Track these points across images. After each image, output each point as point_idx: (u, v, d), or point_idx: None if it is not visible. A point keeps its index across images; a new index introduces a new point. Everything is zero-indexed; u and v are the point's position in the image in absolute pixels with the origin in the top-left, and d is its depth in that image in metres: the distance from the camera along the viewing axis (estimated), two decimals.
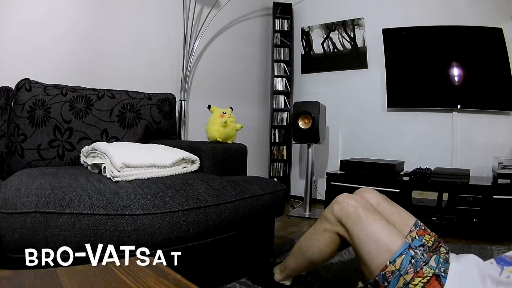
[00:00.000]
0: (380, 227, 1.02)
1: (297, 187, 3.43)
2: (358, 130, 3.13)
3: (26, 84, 1.66)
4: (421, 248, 1.03)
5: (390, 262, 0.94)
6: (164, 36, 2.60)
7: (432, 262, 0.94)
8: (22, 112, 1.62)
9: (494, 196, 2.12)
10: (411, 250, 0.95)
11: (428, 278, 0.90)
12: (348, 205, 1.09)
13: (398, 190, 2.36)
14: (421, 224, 1.16)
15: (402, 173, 2.68)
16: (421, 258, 0.94)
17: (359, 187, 1.30)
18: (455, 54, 2.64)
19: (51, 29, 2.02)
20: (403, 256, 0.94)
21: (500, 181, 2.24)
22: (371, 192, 1.25)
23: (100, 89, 1.90)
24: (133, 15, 2.40)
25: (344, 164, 2.70)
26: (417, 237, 1.10)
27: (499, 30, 2.46)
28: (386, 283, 0.94)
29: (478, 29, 2.53)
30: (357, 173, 2.61)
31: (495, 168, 2.32)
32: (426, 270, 0.91)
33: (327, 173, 2.75)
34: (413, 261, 0.93)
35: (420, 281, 0.90)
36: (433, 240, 1.09)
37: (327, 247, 1.17)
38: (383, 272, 0.94)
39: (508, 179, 2.21)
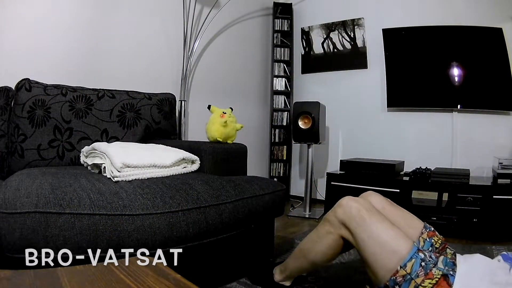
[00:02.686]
0: (384, 228, 1.02)
1: (297, 187, 3.43)
2: (358, 130, 3.13)
3: (26, 84, 1.65)
4: (429, 249, 1.03)
5: (401, 267, 0.94)
6: (164, 36, 2.60)
7: (440, 264, 0.95)
8: (22, 112, 1.62)
9: (494, 196, 2.12)
10: (420, 253, 0.96)
11: (437, 279, 0.91)
12: (352, 207, 1.09)
13: (398, 190, 2.36)
14: (430, 226, 1.16)
15: (402, 173, 2.68)
16: (430, 260, 0.95)
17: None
18: (455, 54, 2.64)
19: (51, 29, 2.02)
20: (413, 260, 0.95)
21: (500, 181, 2.24)
22: (375, 196, 1.25)
23: (100, 89, 1.90)
24: (133, 15, 2.40)
25: (344, 164, 2.70)
26: (428, 239, 1.10)
27: (499, 30, 2.46)
28: (397, 287, 0.95)
29: (478, 29, 2.53)
30: (357, 173, 2.61)
31: (495, 168, 2.32)
32: (435, 272, 0.92)
33: (327, 173, 2.75)
34: (423, 263, 0.94)
35: (429, 283, 0.91)
36: (440, 242, 1.10)
37: (330, 250, 1.17)
38: (394, 277, 0.95)
39: (508, 179, 2.21)
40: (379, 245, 1.00)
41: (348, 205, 1.10)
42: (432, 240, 1.09)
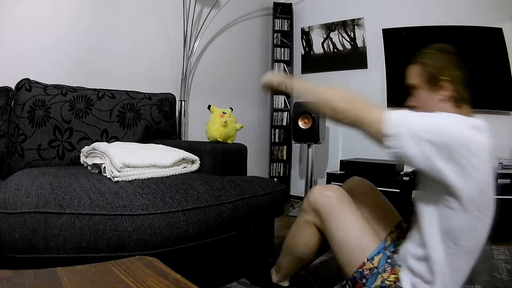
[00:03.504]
0: (353, 222, 1.03)
1: (297, 187, 3.43)
2: None
3: (26, 84, 1.65)
4: (392, 250, 1.04)
5: (368, 260, 0.97)
6: (164, 36, 2.60)
7: (399, 261, 1.00)
8: (22, 112, 1.62)
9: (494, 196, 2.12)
10: (386, 251, 1.00)
11: (398, 274, 0.96)
12: (323, 195, 1.09)
13: (398, 190, 2.36)
14: (404, 225, 1.16)
15: (402, 173, 2.68)
16: (394, 260, 0.99)
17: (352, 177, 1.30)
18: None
19: (51, 29, 2.02)
20: (381, 254, 0.98)
21: (500, 181, 2.24)
22: (360, 181, 1.25)
23: (100, 89, 1.90)
24: (133, 15, 2.40)
25: (344, 164, 2.70)
26: (396, 241, 1.10)
27: (499, 30, 2.46)
28: (364, 280, 0.96)
29: (478, 29, 2.53)
30: (357, 173, 2.59)
31: (495, 168, 2.32)
32: (397, 268, 0.97)
33: (327, 173, 2.75)
34: (389, 260, 0.98)
35: (394, 277, 0.96)
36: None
37: (309, 241, 1.16)
38: (361, 269, 0.97)
39: (508, 179, 2.21)
40: (346, 238, 1.02)
41: (319, 193, 1.10)
42: (397, 243, 1.09)
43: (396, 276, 0.95)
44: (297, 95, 1.28)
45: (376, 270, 0.95)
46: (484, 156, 0.82)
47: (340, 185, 1.24)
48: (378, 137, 0.88)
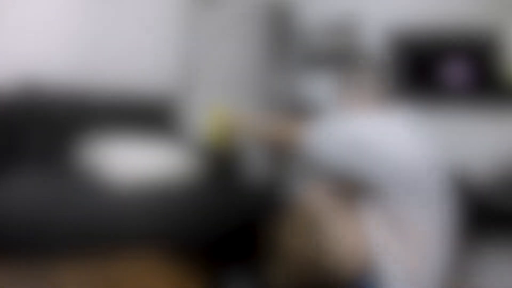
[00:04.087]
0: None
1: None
2: None
3: (26, 84, 1.65)
4: None
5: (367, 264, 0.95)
6: (164, 36, 2.59)
7: None
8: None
9: None
10: None
11: None
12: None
13: None
14: None
15: None
16: None
17: None
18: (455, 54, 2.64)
19: (51, 29, 2.02)
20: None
21: None
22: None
23: (100, 89, 1.89)
24: (133, 15, 2.39)
25: None
26: None
27: (499, 30, 2.45)
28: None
29: (478, 29, 2.52)
30: None
31: None
32: None
33: None
34: None
35: None
36: None
37: None
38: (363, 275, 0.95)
39: None
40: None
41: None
42: None
43: None
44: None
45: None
46: None
47: None
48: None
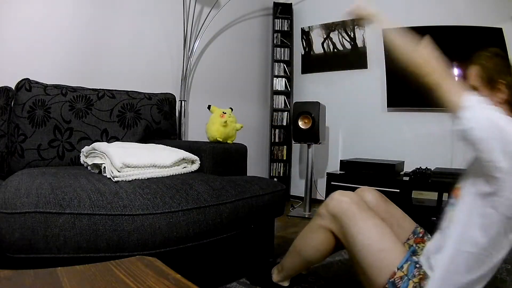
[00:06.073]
0: (374, 226, 1.03)
1: (297, 187, 3.43)
2: (358, 130, 3.12)
3: (26, 84, 1.65)
4: (410, 255, 1.04)
5: (398, 269, 0.96)
6: (164, 36, 2.60)
7: (423, 263, 0.99)
8: (22, 112, 1.62)
9: None
10: (413, 257, 0.99)
11: (423, 275, 0.96)
12: (342, 201, 1.09)
13: (398, 190, 2.36)
14: (420, 231, 1.16)
15: (402, 173, 2.68)
16: (420, 263, 0.98)
17: (359, 187, 1.30)
18: (455, 54, 2.64)
19: (51, 29, 2.02)
20: (409, 262, 0.97)
21: None
22: (370, 192, 1.25)
23: (100, 89, 1.90)
24: (133, 15, 2.40)
25: (344, 164, 2.70)
26: (414, 245, 1.11)
27: (499, 30, 2.45)
28: None
29: (478, 29, 2.53)
30: (357, 173, 2.61)
31: None
32: (423, 270, 0.97)
33: (327, 173, 2.75)
34: (417, 265, 0.97)
35: (419, 279, 0.95)
36: (422, 247, 1.12)
37: (321, 245, 1.16)
38: (392, 279, 0.95)
39: None
40: (367, 241, 1.01)
41: (339, 199, 1.10)
42: (416, 247, 1.11)
43: (422, 276, 0.96)
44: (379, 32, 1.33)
45: (406, 277, 0.95)
46: None
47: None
48: (454, 105, 0.94)
